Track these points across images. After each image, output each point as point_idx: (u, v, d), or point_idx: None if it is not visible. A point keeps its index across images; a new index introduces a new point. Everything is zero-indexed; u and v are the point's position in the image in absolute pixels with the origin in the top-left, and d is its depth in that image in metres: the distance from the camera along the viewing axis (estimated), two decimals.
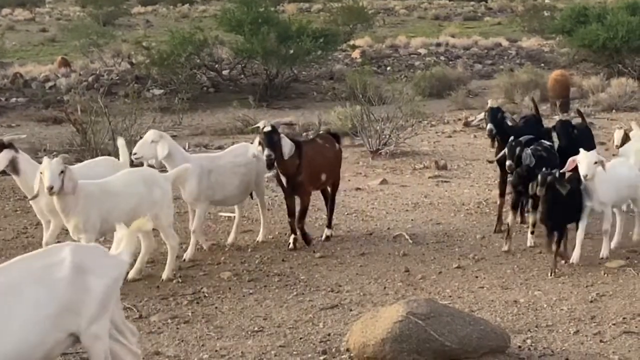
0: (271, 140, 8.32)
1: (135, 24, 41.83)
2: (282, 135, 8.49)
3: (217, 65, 23.22)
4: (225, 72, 23.37)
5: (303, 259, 8.54)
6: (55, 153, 11.24)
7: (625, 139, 10.43)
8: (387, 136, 14.05)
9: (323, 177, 9.03)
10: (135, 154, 8.71)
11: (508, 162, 8.46)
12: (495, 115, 9.43)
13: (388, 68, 26.59)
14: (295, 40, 22.30)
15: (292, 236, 8.80)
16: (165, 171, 8.40)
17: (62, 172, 7.25)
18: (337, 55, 26.91)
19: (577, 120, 10.52)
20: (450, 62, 27.24)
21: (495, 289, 7.52)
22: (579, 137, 9.54)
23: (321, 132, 10.27)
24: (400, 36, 33.01)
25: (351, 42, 29.12)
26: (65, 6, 49.96)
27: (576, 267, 8.03)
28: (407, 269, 8.12)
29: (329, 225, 9.27)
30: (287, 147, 8.45)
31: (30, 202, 8.25)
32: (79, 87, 21.17)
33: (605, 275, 7.80)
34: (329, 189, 9.35)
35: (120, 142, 9.04)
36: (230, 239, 9.04)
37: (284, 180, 8.67)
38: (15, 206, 10.84)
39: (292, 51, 22.15)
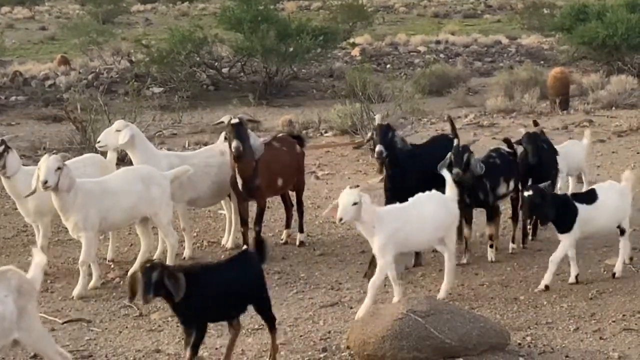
0: (239, 132, 7.97)
1: (135, 22, 41.80)
2: (249, 130, 8.18)
3: (216, 63, 23.21)
4: (224, 70, 23.35)
5: (303, 257, 8.55)
6: (55, 151, 11.24)
7: None
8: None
9: (280, 182, 8.62)
10: (99, 142, 8.70)
11: (455, 170, 7.61)
12: (386, 134, 8.04)
13: (388, 66, 26.58)
14: (294, 38, 22.30)
15: (245, 247, 8.35)
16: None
17: (59, 168, 7.26)
18: (336, 53, 26.89)
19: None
20: (450, 60, 27.23)
21: (495, 287, 7.53)
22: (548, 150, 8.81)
23: (282, 134, 9.75)
24: (400, 34, 32.98)
25: (351, 40, 29.10)
26: (64, 4, 49.87)
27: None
28: (407, 267, 8.13)
29: (301, 230, 9.01)
30: (257, 142, 8.15)
31: (17, 204, 8.25)
32: (79, 85, 21.19)
33: (605, 272, 7.80)
34: (290, 193, 9.07)
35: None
36: (229, 243, 8.98)
37: (239, 182, 8.22)
38: (15, 204, 10.83)
39: (291, 49, 22.15)
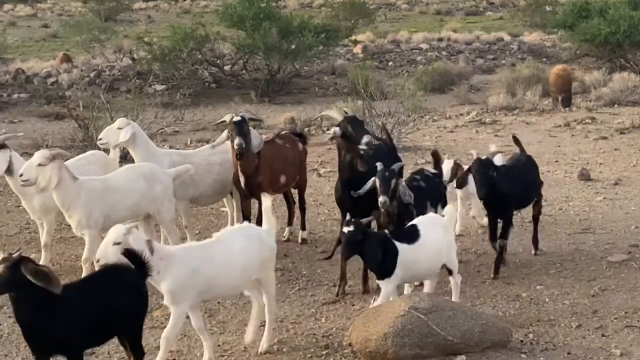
0: (241, 129, 7.93)
1: (137, 20, 41.82)
2: (250, 127, 8.16)
3: (218, 61, 23.24)
4: (227, 68, 23.38)
5: (305, 254, 8.54)
6: (57, 149, 11.24)
7: (456, 170, 8.40)
8: (389, 131, 14.04)
9: (282, 179, 8.59)
10: (100, 139, 8.71)
11: (382, 198, 6.70)
12: (362, 126, 7.24)
13: (390, 63, 26.60)
14: (296, 35, 22.34)
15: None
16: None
17: (40, 164, 7.15)
18: (338, 50, 26.93)
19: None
20: (452, 57, 27.26)
21: (497, 284, 7.52)
22: (516, 175, 7.72)
23: (284, 132, 9.69)
24: (402, 31, 33.00)
25: (353, 38, 29.13)
26: (66, 2, 49.89)
27: (578, 262, 8.03)
28: None
29: (303, 228, 9.01)
30: (257, 139, 8.15)
31: (22, 201, 8.26)
32: (81, 82, 21.21)
33: (607, 269, 7.80)
34: (292, 191, 9.05)
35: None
36: None
37: (242, 180, 8.16)
38: (18, 202, 10.82)
39: (293, 46, 22.19)
